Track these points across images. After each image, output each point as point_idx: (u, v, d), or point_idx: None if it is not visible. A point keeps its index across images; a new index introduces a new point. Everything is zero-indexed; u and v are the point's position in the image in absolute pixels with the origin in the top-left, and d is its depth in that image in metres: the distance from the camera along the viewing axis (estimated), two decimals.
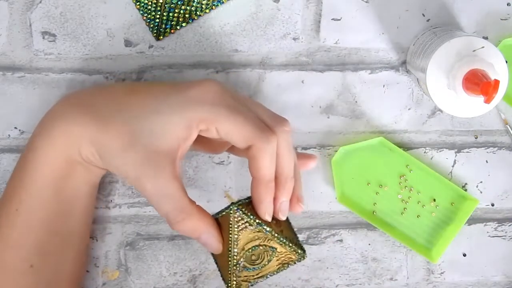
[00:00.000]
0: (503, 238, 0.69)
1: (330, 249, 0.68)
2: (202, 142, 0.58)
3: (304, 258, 0.57)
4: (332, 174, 0.67)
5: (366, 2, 0.65)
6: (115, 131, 0.54)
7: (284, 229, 0.57)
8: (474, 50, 0.57)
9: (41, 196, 0.57)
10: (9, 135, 0.65)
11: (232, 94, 0.55)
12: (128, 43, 0.65)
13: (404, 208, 0.67)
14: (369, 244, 0.68)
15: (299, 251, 0.56)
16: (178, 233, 0.67)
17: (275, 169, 0.54)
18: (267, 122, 0.55)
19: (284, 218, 0.56)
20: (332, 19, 0.65)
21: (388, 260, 0.68)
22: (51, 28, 0.64)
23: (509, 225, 0.69)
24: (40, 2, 0.63)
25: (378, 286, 0.68)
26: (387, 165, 0.67)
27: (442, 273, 0.69)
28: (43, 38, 0.64)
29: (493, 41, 0.66)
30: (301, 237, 0.67)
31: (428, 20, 0.65)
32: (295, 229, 0.58)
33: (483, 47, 0.57)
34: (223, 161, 0.66)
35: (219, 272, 0.57)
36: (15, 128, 0.64)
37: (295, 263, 0.57)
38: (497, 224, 0.69)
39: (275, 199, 0.55)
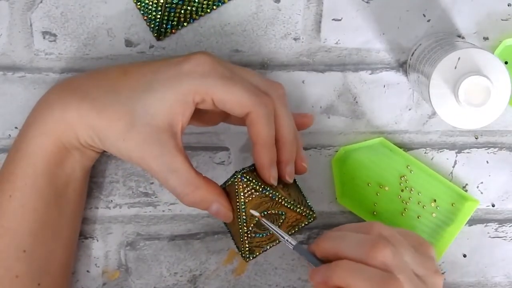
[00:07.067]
0: (504, 239, 0.69)
1: None
2: (198, 115, 0.58)
3: (314, 218, 0.57)
4: (333, 174, 0.66)
5: (367, 2, 0.65)
6: (114, 114, 0.54)
7: (291, 192, 0.57)
8: (455, 67, 0.56)
9: (36, 184, 0.57)
10: (9, 135, 0.65)
11: (224, 63, 0.56)
12: (128, 43, 0.65)
13: (405, 209, 0.67)
14: None
15: (308, 212, 0.56)
16: (178, 232, 0.67)
17: (275, 133, 0.55)
18: (261, 88, 0.55)
19: (291, 181, 0.57)
20: (333, 19, 0.65)
21: None
22: (52, 28, 0.64)
23: (510, 226, 0.68)
24: (41, 2, 0.63)
25: None
26: (387, 166, 0.67)
27: (442, 273, 0.68)
28: (44, 38, 0.64)
29: (494, 42, 0.66)
30: (301, 237, 0.67)
31: (428, 21, 0.65)
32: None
33: (459, 58, 0.56)
34: (224, 161, 0.66)
35: (233, 241, 0.58)
36: (16, 128, 0.64)
37: (305, 224, 0.57)
38: (497, 225, 0.68)
39: (279, 162, 0.56)
